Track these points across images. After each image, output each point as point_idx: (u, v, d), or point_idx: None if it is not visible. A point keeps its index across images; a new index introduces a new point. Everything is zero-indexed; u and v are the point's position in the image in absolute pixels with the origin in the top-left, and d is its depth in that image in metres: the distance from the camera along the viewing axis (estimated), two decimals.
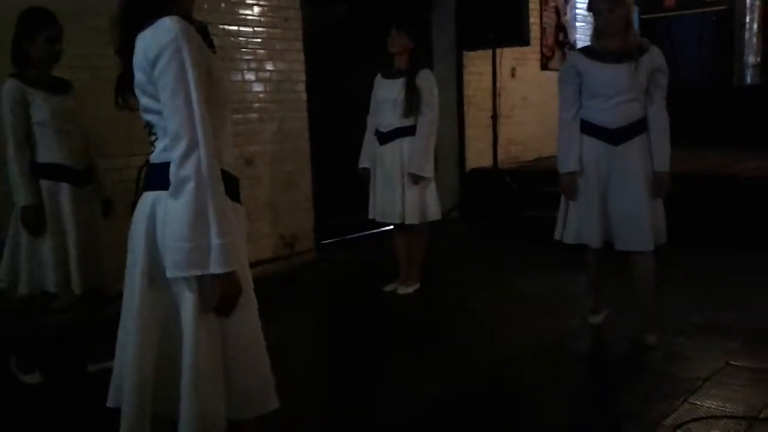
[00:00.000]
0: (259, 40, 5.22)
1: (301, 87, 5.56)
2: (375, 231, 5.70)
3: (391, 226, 4.65)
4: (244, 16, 5.10)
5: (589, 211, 3.38)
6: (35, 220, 3.11)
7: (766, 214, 5.27)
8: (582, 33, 8.70)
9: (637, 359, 3.35)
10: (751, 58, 8.03)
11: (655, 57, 3.27)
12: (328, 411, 3.00)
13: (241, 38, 5.08)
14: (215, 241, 1.61)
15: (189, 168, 1.60)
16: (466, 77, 7.12)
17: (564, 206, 3.55)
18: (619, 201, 3.31)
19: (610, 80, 3.27)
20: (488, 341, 3.75)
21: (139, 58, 1.67)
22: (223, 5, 4.87)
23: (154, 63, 1.63)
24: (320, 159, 5.73)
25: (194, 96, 1.62)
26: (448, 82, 7.09)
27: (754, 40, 8.00)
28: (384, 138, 4.39)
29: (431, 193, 4.43)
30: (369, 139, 4.52)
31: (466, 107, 7.16)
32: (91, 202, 3.32)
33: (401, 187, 4.34)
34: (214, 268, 1.62)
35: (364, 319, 4.26)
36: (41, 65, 3.17)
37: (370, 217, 4.57)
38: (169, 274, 1.65)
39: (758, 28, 7.98)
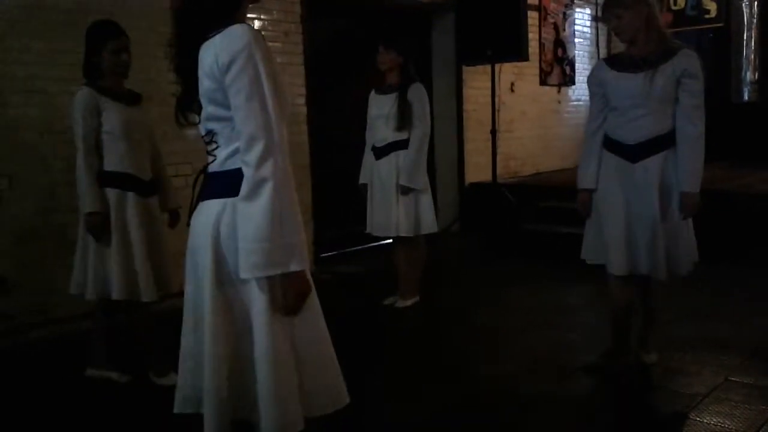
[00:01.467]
0: None
1: (301, 101, 5.58)
2: (375, 244, 5.70)
3: (390, 239, 4.66)
4: None
5: (613, 233, 3.09)
6: (99, 227, 3.18)
7: (764, 229, 5.29)
8: (581, 49, 8.77)
9: (637, 374, 3.34)
10: (749, 75, 8.08)
11: (681, 60, 2.95)
12: (325, 426, 2.99)
13: None
14: (293, 239, 1.65)
15: (267, 169, 1.62)
16: (466, 92, 7.16)
17: (587, 225, 3.29)
18: (636, 224, 3.04)
19: (625, 91, 3.04)
20: (488, 355, 3.75)
21: (207, 66, 1.68)
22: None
23: (227, 69, 1.64)
24: (320, 172, 5.75)
25: (269, 101, 1.65)
26: (447, 97, 7.14)
27: (752, 57, 8.05)
28: (379, 152, 4.42)
29: (425, 205, 4.42)
30: (367, 155, 4.56)
31: (465, 122, 7.19)
32: (156, 212, 3.35)
33: (397, 200, 4.36)
34: (294, 266, 1.65)
35: (363, 333, 4.25)
36: (111, 76, 3.22)
37: (368, 231, 4.59)
38: (246, 275, 1.66)
39: (756, 45, 8.04)
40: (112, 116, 3.18)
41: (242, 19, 1.75)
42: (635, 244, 3.05)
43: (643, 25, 2.98)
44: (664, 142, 3.00)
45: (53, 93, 4.15)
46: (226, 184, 1.70)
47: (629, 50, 3.08)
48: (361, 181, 4.60)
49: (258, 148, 1.63)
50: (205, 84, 1.71)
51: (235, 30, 1.66)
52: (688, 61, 2.96)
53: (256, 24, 5.25)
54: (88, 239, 3.23)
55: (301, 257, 1.67)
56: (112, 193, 3.21)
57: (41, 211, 4.12)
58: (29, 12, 4.04)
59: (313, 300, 1.81)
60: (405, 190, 4.32)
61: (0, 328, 3.95)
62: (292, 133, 5.48)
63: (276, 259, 1.63)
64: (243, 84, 1.63)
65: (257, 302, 1.69)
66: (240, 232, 1.66)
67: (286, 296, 1.69)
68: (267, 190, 1.62)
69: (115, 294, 3.19)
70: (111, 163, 3.21)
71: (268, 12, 5.32)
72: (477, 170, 7.21)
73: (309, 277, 1.76)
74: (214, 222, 1.73)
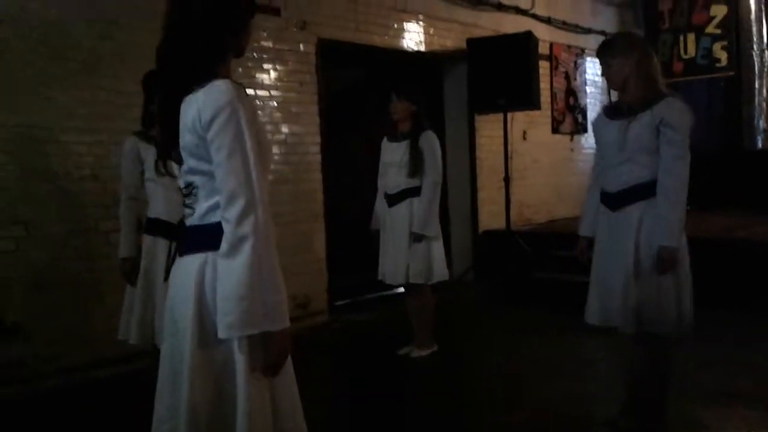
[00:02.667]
0: (274, 103, 5.34)
1: (316, 149, 5.64)
2: (388, 292, 5.67)
3: (402, 287, 4.64)
4: (260, 80, 5.23)
5: (592, 280, 3.07)
6: (129, 273, 3.29)
7: None
8: (592, 97, 8.84)
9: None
10: (762, 123, 8.10)
11: (661, 109, 2.85)
12: None
13: (257, 101, 5.19)
14: (272, 297, 1.63)
15: (247, 227, 1.61)
16: (479, 140, 7.22)
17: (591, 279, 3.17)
18: (610, 274, 2.96)
19: (608, 138, 3.02)
20: (504, 406, 3.68)
21: (189, 120, 1.68)
22: (240, 69, 5.00)
23: (209, 125, 1.64)
24: (334, 220, 5.77)
25: (251, 157, 1.65)
26: (460, 145, 7.19)
27: (764, 105, 8.08)
28: (392, 200, 4.44)
29: (437, 253, 4.40)
30: (379, 202, 4.58)
31: (478, 169, 7.23)
32: None
33: (408, 247, 4.36)
34: (273, 326, 1.63)
35: (378, 383, 4.20)
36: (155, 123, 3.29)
37: (379, 278, 4.57)
38: (223, 334, 1.63)
39: (767, 93, 8.07)
40: (152, 164, 3.25)
41: (226, 74, 1.76)
42: (609, 294, 2.98)
43: (633, 72, 2.95)
44: (644, 191, 2.90)
45: (70, 142, 4.22)
46: (207, 238, 1.68)
47: (621, 97, 3.06)
48: (373, 226, 4.61)
49: (238, 205, 1.62)
50: (186, 138, 1.71)
51: (218, 86, 1.66)
52: (667, 109, 2.86)
53: (273, 75, 5.35)
54: (131, 287, 3.30)
55: (281, 316, 1.65)
56: (147, 240, 3.28)
57: (56, 259, 4.15)
58: (49, 63, 4.13)
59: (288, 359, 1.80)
60: (417, 238, 4.31)
61: (13, 377, 3.94)
62: (307, 180, 5.55)
63: (254, 318, 1.61)
64: (225, 140, 1.63)
65: (238, 362, 1.66)
66: (218, 290, 1.64)
67: (266, 355, 1.67)
68: (247, 248, 1.60)
69: (134, 338, 3.25)
70: (151, 210, 3.30)
71: (284, 63, 5.42)
72: (490, 218, 7.21)
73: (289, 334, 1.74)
74: (197, 276, 1.70)
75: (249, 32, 1.82)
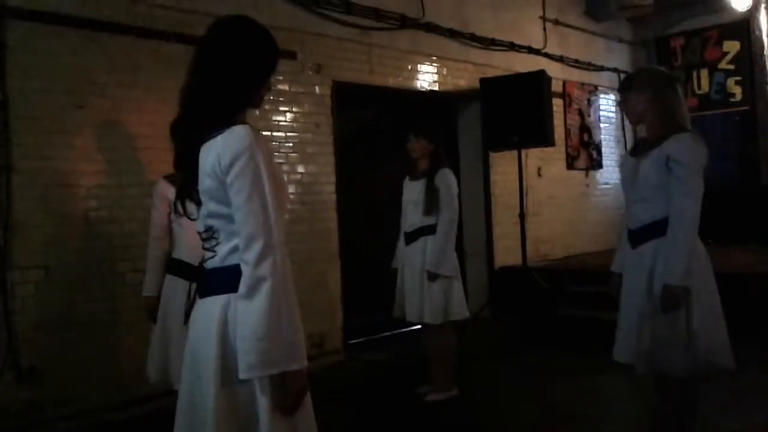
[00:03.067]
0: (291, 144, 5.40)
1: (331, 188, 5.69)
2: (404, 330, 5.65)
3: (419, 326, 4.61)
4: (277, 122, 5.31)
5: (618, 317, 3.06)
6: (149, 312, 3.39)
7: None
8: (606, 133, 8.86)
9: None
10: None
11: (669, 145, 2.82)
12: None
13: (274, 143, 5.26)
14: (291, 337, 1.66)
15: (265, 268, 1.65)
16: (493, 177, 7.24)
17: None
18: (627, 312, 2.97)
19: (624, 175, 3.08)
20: None
21: (209, 165, 1.74)
22: (257, 112, 5.08)
23: (228, 169, 1.69)
24: (349, 258, 5.78)
25: (269, 200, 1.70)
26: (475, 182, 7.22)
27: None
28: (409, 238, 4.45)
29: (454, 292, 4.36)
30: (400, 241, 4.59)
31: (493, 206, 7.24)
32: None
33: (422, 286, 4.34)
34: (291, 365, 1.66)
35: (392, 426, 4.15)
36: None
37: (394, 315, 4.55)
38: (243, 375, 1.66)
39: None
40: None
41: (243, 121, 1.81)
42: (627, 332, 2.97)
43: (648, 108, 2.95)
44: (657, 229, 2.85)
45: (90, 187, 4.30)
46: (228, 279, 1.72)
47: (645, 134, 3.08)
48: (393, 265, 4.60)
49: (257, 247, 1.66)
50: (206, 183, 1.76)
51: (237, 131, 1.72)
52: (675, 145, 2.82)
53: (289, 116, 5.43)
54: (157, 325, 3.36)
55: (300, 356, 1.67)
56: (168, 279, 3.34)
57: (73, 301, 4.18)
58: (73, 109, 4.23)
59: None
60: (432, 276, 4.29)
61: (30, 420, 3.94)
62: (322, 219, 5.58)
63: (274, 358, 1.64)
64: (244, 184, 1.68)
65: (261, 401, 1.68)
66: (238, 331, 1.67)
67: (285, 395, 1.69)
68: (265, 289, 1.64)
69: (152, 375, 3.31)
70: (175, 251, 3.38)
71: (300, 105, 5.51)
72: (506, 254, 7.19)
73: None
74: (219, 317, 1.72)
75: (268, 87, 1.89)
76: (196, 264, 3.23)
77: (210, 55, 1.82)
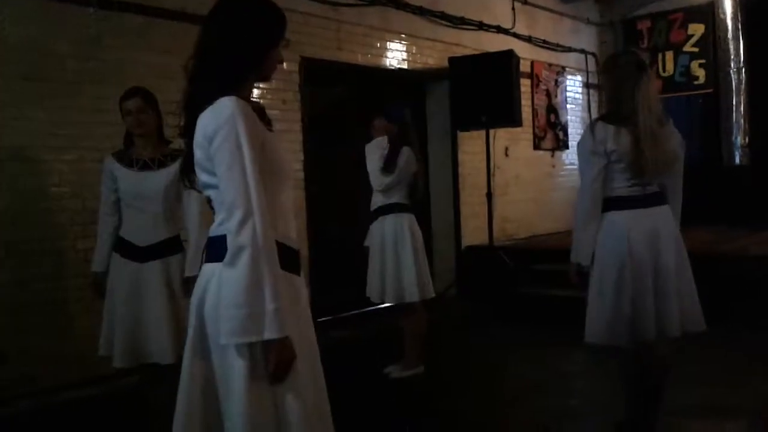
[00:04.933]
0: None
1: (299, 166, 5.65)
2: (372, 308, 5.65)
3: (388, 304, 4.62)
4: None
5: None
6: (96, 288, 3.35)
7: (759, 292, 5.28)
8: (573, 114, 8.93)
9: None
10: (740, 139, 8.21)
11: None
12: None
13: None
14: (270, 306, 1.65)
15: (245, 237, 1.66)
16: (461, 157, 7.26)
17: None
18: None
19: None
20: (488, 426, 3.67)
21: (198, 136, 1.76)
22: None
23: (211, 139, 1.72)
24: (317, 237, 5.76)
25: (249, 169, 1.70)
26: (443, 162, 7.23)
27: (742, 121, 8.20)
28: (372, 216, 4.47)
29: (409, 273, 4.31)
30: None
31: (461, 185, 7.26)
32: (154, 278, 3.22)
33: (381, 266, 4.35)
34: (269, 334, 1.66)
35: (359, 403, 4.17)
36: (138, 140, 3.29)
37: (366, 294, 4.56)
38: (223, 341, 1.68)
39: (745, 109, 8.20)
40: (122, 183, 3.26)
41: (246, 94, 1.84)
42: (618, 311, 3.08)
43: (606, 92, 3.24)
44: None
45: (51, 161, 4.20)
46: (220, 247, 1.74)
47: None
48: (365, 243, 4.57)
49: (237, 216, 1.68)
50: (197, 154, 1.79)
51: (221, 102, 1.74)
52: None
53: (256, 92, 5.33)
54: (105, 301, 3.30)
55: (279, 325, 1.66)
56: (115, 257, 3.27)
57: (33, 279, 4.10)
58: (32, 82, 4.12)
59: (311, 368, 1.82)
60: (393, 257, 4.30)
61: None
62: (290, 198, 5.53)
63: (250, 326, 1.65)
64: (225, 154, 1.70)
65: (235, 370, 1.70)
66: (222, 297, 1.69)
67: (267, 364, 1.69)
68: (244, 257, 1.66)
69: (100, 352, 3.27)
70: (121, 229, 3.30)
71: (268, 81, 5.42)
72: (473, 233, 7.24)
73: (310, 344, 1.80)
74: (203, 287, 1.77)
75: (274, 59, 1.90)
76: (140, 245, 3.23)
77: (209, 28, 1.86)
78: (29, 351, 4.03)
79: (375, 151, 4.40)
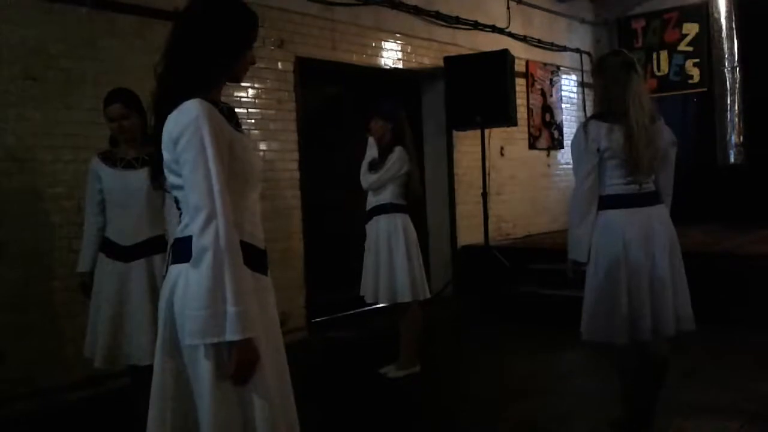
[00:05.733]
0: (253, 121, 5.33)
1: (294, 165, 5.64)
2: (368, 308, 5.66)
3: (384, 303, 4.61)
4: (238, 98, 5.23)
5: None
6: (83, 287, 3.35)
7: (754, 291, 5.30)
8: (568, 113, 8.95)
9: None
10: (735, 138, 8.23)
11: None
12: None
13: None
14: (231, 308, 1.66)
15: (207, 238, 1.67)
16: (456, 156, 7.26)
17: None
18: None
19: None
20: (484, 425, 3.67)
21: (165, 139, 1.78)
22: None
23: (176, 141, 1.73)
24: (312, 236, 5.76)
25: (213, 171, 1.71)
26: (438, 161, 7.24)
27: (736, 120, 8.22)
28: (366, 217, 4.46)
29: (402, 273, 4.30)
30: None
31: (456, 185, 7.27)
32: (138, 277, 3.21)
33: (375, 266, 4.35)
34: (231, 336, 1.66)
35: (355, 403, 4.18)
36: (120, 142, 3.30)
37: (360, 293, 4.56)
38: (187, 341, 1.71)
39: (739, 109, 8.22)
40: (106, 182, 3.27)
41: (216, 96, 1.85)
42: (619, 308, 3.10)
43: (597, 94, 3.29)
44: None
45: (45, 161, 4.19)
46: (186, 248, 1.74)
47: None
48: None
49: (200, 218, 1.69)
50: (164, 156, 1.80)
51: (186, 106, 1.75)
52: None
53: (251, 92, 5.35)
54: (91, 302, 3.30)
55: (241, 326, 1.66)
56: (100, 257, 3.28)
57: (29, 278, 4.09)
58: (26, 82, 4.11)
59: (276, 370, 1.83)
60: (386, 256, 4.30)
61: None
62: (285, 197, 5.54)
63: (212, 327, 1.66)
64: (189, 156, 1.72)
65: (201, 370, 1.72)
66: (186, 297, 1.72)
67: (231, 365, 1.71)
68: (207, 259, 1.67)
69: (85, 354, 3.28)
70: (106, 229, 3.30)
71: (263, 81, 5.43)
72: (468, 233, 7.24)
73: (277, 347, 1.82)
74: (172, 285, 1.78)
75: (245, 60, 1.90)
76: (124, 244, 3.24)
77: (182, 27, 1.86)
78: (26, 351, 4.01)
79: (367, 151, 4.44)
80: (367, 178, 4.38)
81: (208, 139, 1.71)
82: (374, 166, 4.36)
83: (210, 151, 1.71)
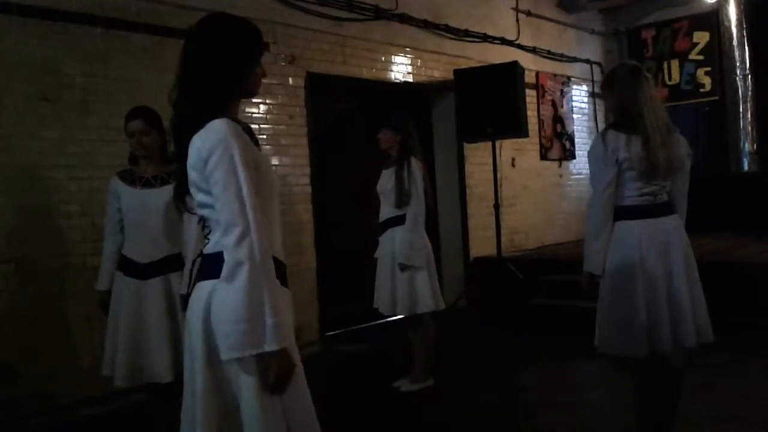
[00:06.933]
0: (265, 136, 5.37)
1: (306, 180, 5.67)
2: (382, 321, 5.65)
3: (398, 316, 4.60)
4: (250, 114, 5.27)
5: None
6: (102, 306, 3.37)
7: None
8: (579, 124, 8.94)
9: None
10: (747, 146, 8.19)
11: None
12: None
13: None
14: (269, 320, 1.71)
15: (243, 253, 1.72)
16: (468, 168, 7.27)
17: None
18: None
19: None
20: None
21: (193, 158, 1.82)
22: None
23: (206, 160, 1.78)
24: (324, 250, 5.77)
25: (244, 188, 1.76)
26: (450, 173, 7.24)
27: (749, 128, 8.18)
28: (381, 228, 4.45)
29: (422, 284, 4.31)
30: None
31: (468, 197, 7.27)
32: (156, 294, 3.22)
33: (392, 278, 4.34)
34: (269, 346, 1.71)
35: (369, 417, 4.17)
36: (141, 160, 3.33)
37: (374, 306, 4.55)
38: (224, 356, 1.74)
39: (752, 116, 8.18)
40: (124, 200, 3.29)
41: (234, 112, 1.90)
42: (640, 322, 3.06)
43: (611, 107, 3.27)
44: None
45: (60, 179, 4.24)
46: (218, 264, 1.78)
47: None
48: (376, 255, 4.54)
49: (235, 233, 1.73)
50: (192, 175, 1.84)
51: (214, 125, 1.80)
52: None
53: (262, 108, 5.39)
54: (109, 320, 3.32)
55: (278, 337, 1.72)
56: (118, 275, 3.29)
57: (45, 296, 4.13)
58: (40, 101, 4.16)
59: (299, 377, 1.86)
60: (402, 267, 4.27)
61: (2, 417, 3.88)
62: (297, 212, 5.56)
63: (251, 340, 1.70)
64: (220, 174, 1.76)
65: (244, 380, 1.75)
66: (221, 312, 1.74)
67: (268, 375, 1.74)
68: (243, 273, 1.71)
69: (104, 372, 3.28)
70: (124, 247, 3.32)
71: (274, 96, 5.47)
72: (481, 245, 7.23)
73: (295, 356, 1.83)
74: (205, 302, 1.80)
75: (256, 74, 1.96)
76: (141, 262, 3.25)
77: (189, 52, 1.92)
78: (42, 367, 4.04)
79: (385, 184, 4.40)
80: (414, 205, 4.25)
81: (237, 157, 1.76)
82: (400, 201, 4.28)
83: (240, 169, 1.76)
